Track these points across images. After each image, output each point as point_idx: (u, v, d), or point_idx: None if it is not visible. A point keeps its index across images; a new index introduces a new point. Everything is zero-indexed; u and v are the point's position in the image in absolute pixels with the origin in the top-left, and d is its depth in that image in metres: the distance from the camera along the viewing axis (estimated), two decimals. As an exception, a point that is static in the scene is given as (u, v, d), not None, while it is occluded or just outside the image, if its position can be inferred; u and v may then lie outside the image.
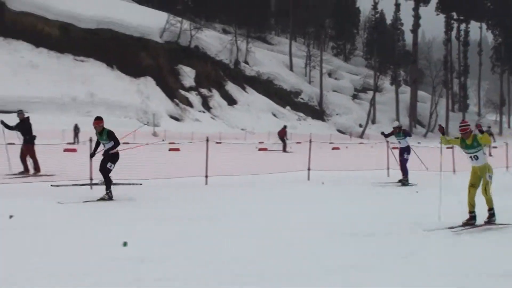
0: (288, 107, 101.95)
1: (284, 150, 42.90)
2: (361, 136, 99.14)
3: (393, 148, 23.76)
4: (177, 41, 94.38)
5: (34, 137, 21.42)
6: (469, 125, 12.10)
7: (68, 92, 72.35)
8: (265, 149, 41.80)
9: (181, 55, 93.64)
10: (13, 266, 8.10)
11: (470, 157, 12.00)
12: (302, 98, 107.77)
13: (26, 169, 21.00)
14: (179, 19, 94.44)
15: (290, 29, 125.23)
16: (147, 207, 14.16)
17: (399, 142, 21.42)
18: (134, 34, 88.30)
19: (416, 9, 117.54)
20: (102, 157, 15.73)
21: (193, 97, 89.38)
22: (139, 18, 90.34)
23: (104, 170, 15.39)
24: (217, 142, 39.89)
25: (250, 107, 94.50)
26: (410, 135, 21.93)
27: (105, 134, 15.49)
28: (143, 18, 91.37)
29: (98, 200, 15.01)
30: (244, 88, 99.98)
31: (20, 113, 22.31)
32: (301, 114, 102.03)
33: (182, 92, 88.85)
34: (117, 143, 15.47)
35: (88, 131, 43.89)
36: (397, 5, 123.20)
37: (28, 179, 19.75)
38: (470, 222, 11.83)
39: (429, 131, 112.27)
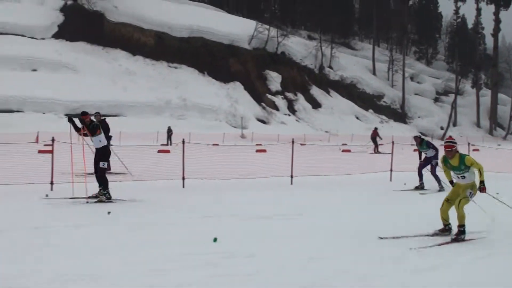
0: (371, 110, 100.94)
1: (376, 151, 42.45)
2: (442, 138, 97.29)
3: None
4: (264, 48, 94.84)
5: (110, 138, 21.66)
6: (455, 142, 10.61)
7: (163, 96, 73.69)
8: (348, 151, 41.44)
9: (268, 61, 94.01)
10: (110, 261, 8.34)
11: (457, 176, 10.71)
12: (384, 101, 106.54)
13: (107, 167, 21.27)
14: (267, 26, 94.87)
15: (373, 34, 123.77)
16: (234, 206, 14.28)
17: (425, 154, 19.47)
18: (224, 42, 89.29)
19: (496, 13, 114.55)
20: (94, 157, 15.19)
21: (279, 101, 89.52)
22: (228, 27, 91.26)
23: (98, 171, 14.84)
24: (301, 144, 39.84)
25: (334, 110, 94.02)
26: (435, 149, 19.20)
27: (90, 128, 15.04)
28: (233, 27, 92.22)
29: (95, 202, 14.31)
30: (328, 92, 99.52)
31: (97, 114, 22.66)
32: (384, 117, 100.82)
33: (269, 96, 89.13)
34: (92, 133, 14.93)
35: (181, 133, 44.81)
36: (478, 10, 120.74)
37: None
38: (444, 233, 10.73)
39: (509, 133, 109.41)
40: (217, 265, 8.06)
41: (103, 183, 14.64)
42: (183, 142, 18.55)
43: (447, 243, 10.07)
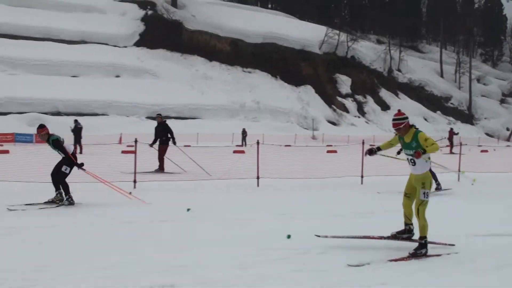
0: (438, 112, 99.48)
1: (451, 151, 41.76)
2: (508, 139, 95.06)
3: None
4: (334, 52, 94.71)
5: (169, 139, 21.47)
6: (404, 118, 8.76)
7: (237, 100, 74.34)
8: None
9: (338, 64, 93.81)
10: (193, 252, 8.45)
11: (407, 159, 8.88)
12: (452, 103, 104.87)
13: (161, 168, 21.13)
14: (337, 31, 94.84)
15: (440, 37, 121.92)
16: (306, 204, 14.26)
17: None
18: (295, 47, 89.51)
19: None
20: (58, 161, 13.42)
21: (349, 103, 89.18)
22: (300, 32, 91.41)
23: (59, 174, 13.07)
24: (371, 145, 39.34)
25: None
26: None
27: (51, 143, 13.19)
28: (304, 32, 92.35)
29: (57, 206, 12.80)
30: (396, 94, 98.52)
31: (158, 116, 22.95)
32: (451, 118, 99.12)
33: (339, 98, 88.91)
34: (65, 154, 13.12)
35: (254, 135, 45.04)
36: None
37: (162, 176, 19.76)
38: (402, 236, 9.17)
39: None
40: (291, 261, 8.05)
41: (64, 188, 13.13)
42: (257, 143, 18.63)
43: (402, 259, 8.30)
